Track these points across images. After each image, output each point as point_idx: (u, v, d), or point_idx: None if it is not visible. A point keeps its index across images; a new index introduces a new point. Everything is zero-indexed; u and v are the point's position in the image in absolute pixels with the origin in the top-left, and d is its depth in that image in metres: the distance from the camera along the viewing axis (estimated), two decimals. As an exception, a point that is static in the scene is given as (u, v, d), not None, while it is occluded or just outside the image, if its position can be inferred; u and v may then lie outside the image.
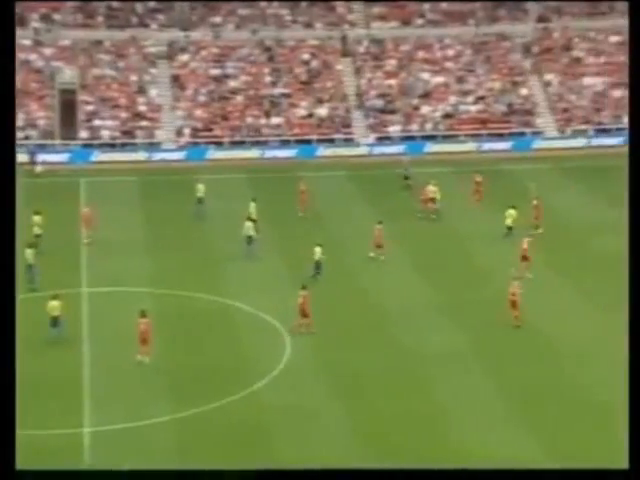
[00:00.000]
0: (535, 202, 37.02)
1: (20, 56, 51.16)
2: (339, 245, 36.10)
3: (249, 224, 34.16)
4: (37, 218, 35.30)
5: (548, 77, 52.94)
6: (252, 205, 36.55)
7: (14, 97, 23.38)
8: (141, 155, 48.31)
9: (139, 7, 54.38)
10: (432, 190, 38.77)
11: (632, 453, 15.12)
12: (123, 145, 49.02)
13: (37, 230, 34.93)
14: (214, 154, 48.80)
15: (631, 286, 17.51)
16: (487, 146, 49.61)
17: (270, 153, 49.02)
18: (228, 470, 15.65)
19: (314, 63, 53.21)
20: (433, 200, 38.58)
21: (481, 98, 51.84)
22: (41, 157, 47.15)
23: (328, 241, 36.23)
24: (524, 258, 32.06)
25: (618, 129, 50.31)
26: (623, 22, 54.68)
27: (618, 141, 49.55)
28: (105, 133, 49.31)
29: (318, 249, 31.70)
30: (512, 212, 36.25)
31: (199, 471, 16.60)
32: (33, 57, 51.71)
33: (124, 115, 50.18)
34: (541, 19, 55.21)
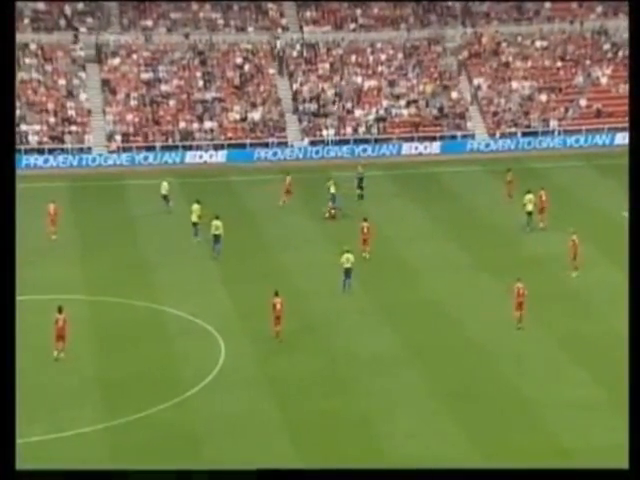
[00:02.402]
0: (543, 197, 37.28)
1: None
2: (278, 250, 36.01)
3: (217, 223, 33.84)
4: None
5: (478, 81, 53.88)
6: (195, 207, 36.19)
7: (14, 97, 22.95)
8: (70, 160, 47.37)
9: (67, 9, 53.37)
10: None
11: (632, 453, 15.11)
12: (51, 150, 47.97)
13: None
14: (145, 159, 48.18)
15: (631, 286, 17.46)
16: (419, 149, 50.23)
17: (203, 158, 48.64)
18: (229, 470, 15.78)
19: (247, 67, 53.02)
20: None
21: (413, 102, 52.43)
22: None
23: (265, 246, 36.12)
24: (573, 256, 31.53)
25: (544, 132, 51.52)
26: (549, 27, 56.19)
27: (547, 144, 50.85)
28: (33, 138, 48.17)
29: (348, 255, 30.74)
30: (531, 197, 36.72)
31: (200, 471, 16.63)
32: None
33: (52, 120, 49.12)
34: (471, 24, 56.19)
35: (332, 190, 39.85)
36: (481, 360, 27.09)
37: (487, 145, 51.01)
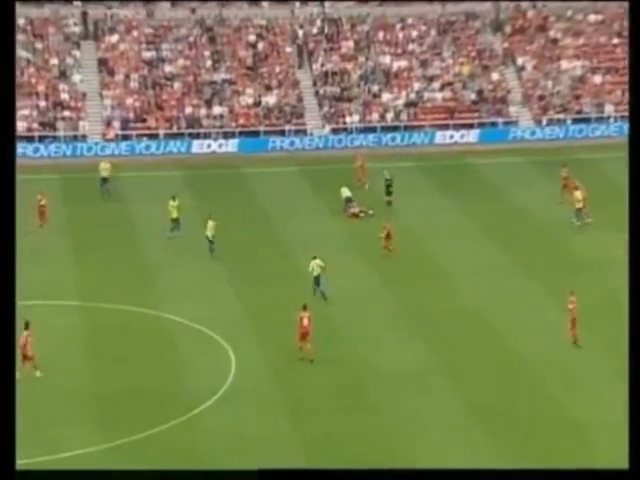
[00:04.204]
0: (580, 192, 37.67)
1: None
2: (290, 248, 36.27)
3: (212, 224, 34.63)
4: None
5: (522, 60, 53.86)
6: (171, 203, 36.89)
7: (14, 97, 24.32)
8: (63, 149, 47.91)
9: (60, -20, 54.04)
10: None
11: (632, 453, 15.80)
12: (42, 138, 48.53)
13: None
14: (147, 148, 48.62)
15: (631, 285, 18.13)
16: (454, 137, 50.28)
17: (211, 147, 49.00)
18: (229, 470, 16.39)
19: (261, 45, 53.34)
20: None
21: (448, 84, 52.49)
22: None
23: (279, 245, 36.40)
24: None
25: (598, 118, 51.37)
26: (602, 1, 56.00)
27: (601, 132, 50.64)
28: (21, 124, 48.76)
29: (317, 261, 31.18)
30: (578, 194, 37.25)
31: (200, 471, 17.19)
32: (-64, 37, 50.86)
33: (43, 104, 49.69)
34: (513, -4, 56.21)
35: (347, 194, 39.88)
36: (522, 374, 27.20)
37: (532, 133, 51.00)
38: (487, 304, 31.61)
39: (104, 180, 41.29)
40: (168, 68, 51.74)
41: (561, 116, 51.65)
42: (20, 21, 51.92)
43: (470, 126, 50.92)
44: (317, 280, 31.11)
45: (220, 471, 16.29)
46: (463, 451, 23.42)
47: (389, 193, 40.28)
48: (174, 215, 36.79)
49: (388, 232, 34.77)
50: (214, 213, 35.77)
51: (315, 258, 31.33)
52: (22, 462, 22.62)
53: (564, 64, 53.52)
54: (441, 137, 50.24)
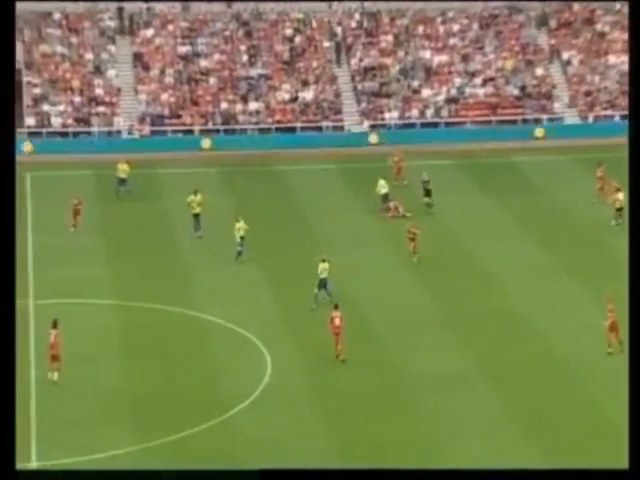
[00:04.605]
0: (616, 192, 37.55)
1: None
2: (328, 249, 36.45)
3: (240, 224, 34.68)
4: None
5: (567, 55, 53.53)
6: (192, 198, 37.01)
7: (14, 97, 24.92)
8: (97, 145, 48.47)
9: (95, -26, 54.62)
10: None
11: (632, 453, 16.18)
12: (76, 134, 49.17)
13: None
14: (182, 144, 49.01)
15: (631, 284, 18.51)
16: (497, 135, 50.09)
17: (247, 143, 49.28)
18: (230, 470, 16.74)
19: (298, 39, 53.56)
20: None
21: (490, 80, 52.33)
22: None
23: (315, 244, 36.61)
24: None
25: (647, 115, 50.85)
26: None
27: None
28: (55, 120, 49.46)
29: (325, 265, 31.25)
30: (620, 195, 37.04)
31: (200, 471, 17.44)
32: (-29, 32, 51.72)
33: (78, 99, 50.35)
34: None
35: (383, 191, 39.98)
36: (565, 379, 27.20)
37: (578, 130, 50.64)
38: (527, 305, 31.58)
39: (122, 181, 41.40)
40: (203, 63, 52.16)
41: (608, 112, 51.26)
42: (56, 16, 52.67)
43: (513, 122, 50.72)
44: (324, 283, 30.94)
45: (221, 471, 16.45)
46: (501, 453, 23.48)
47: (428, 194, 39.90)
48: (196, 211, 36.77)
49: (414, 235, 34.35)
50: (243, 213, 35.96)
51: (324, 261, 31.25)
52: (54, 463, 23.13)
53: (611, 59, 53.09)
54: (483, 134, 50.08)
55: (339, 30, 53.74)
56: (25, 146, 47.94)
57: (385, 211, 39.50)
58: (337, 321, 27.63)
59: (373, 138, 49.53)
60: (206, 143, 48.82)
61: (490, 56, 53.24)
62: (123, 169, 41.62)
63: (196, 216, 36.82)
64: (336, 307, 28.01)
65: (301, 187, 43.70)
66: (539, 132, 50.29)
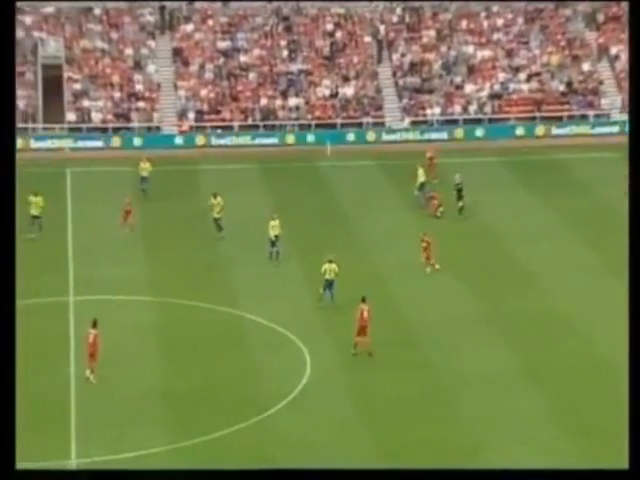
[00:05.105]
0: None
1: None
2: (365, 245, 36.11)
3: (274, 223, 34.21)
4: (36, 199, 36.61)
5: (615, 50, 52.62)
6: (212, 201, 36.47)
7: (14, 96, 25.09)
8: (137, 141, 48.60)
9: (136, -30, 54.78)
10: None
11: (632, 453, 16.23)
12: (116, 130, 49.33)
13: (34, 211, 36.56)
14: (221, 140, 48.99)
15: (631, 284, 18.47)
16: (541, 131, 49.42)
17: (287, 139, 49.12)
18: (230, 470, 16.36)
19: (338, 35, 53.26)
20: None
21: (535, 75, 51.63)
22: (19, 143, 47.71)
23: (355, 241, 36.26)
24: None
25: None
26: None
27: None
28: (96, 116, 49.64)
29: (333, 266, 30.82)
30: None
31: (200, 471, 17.29)
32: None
33: (117, 95, 50.50)
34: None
35: (421, 179, 39.48)
36: (608, 380, 26.61)
37: (626, 127, 49.73)
38: (571, 305, 31.05)
39: (143, 179, 41.04)
40: (243, 58, 52.05)
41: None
42: (96, 11, 52.86)
43: (558, 119, 49.99)
44: (330, 284, 30.48)
45: (221, 471, 16.33)
46: (545, 455, 23.01)
47: (460, 198, 38.55)
48: (216, 215, 36.00)
49: (427, 244, 33.24)
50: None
51: (331, 262, 30.81)
52: (88, 461, 23.07)
53: (660, 54, 52.02)
54: (527, 130, 49.43)
55: (380, 25, 53.33)
56: (65, 142, 48.15)
57: (427, 200, 38.71)
58: (365, 314, 27.60)
59: (414, 134, 49.08)
60: (244, 139, 48.72)
61: (535, 51, 52.54)
62: (145, 167, 41.16)
63: (216, 220, 36.11)
64: (363, 300, 27.90)
65: (341, 184, 43.40)
66: (584, 129, 49.54)
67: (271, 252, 34.27)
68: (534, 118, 50.00)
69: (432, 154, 42.82)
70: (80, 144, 48.06)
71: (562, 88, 51.14)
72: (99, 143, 48.27)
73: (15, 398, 17.37)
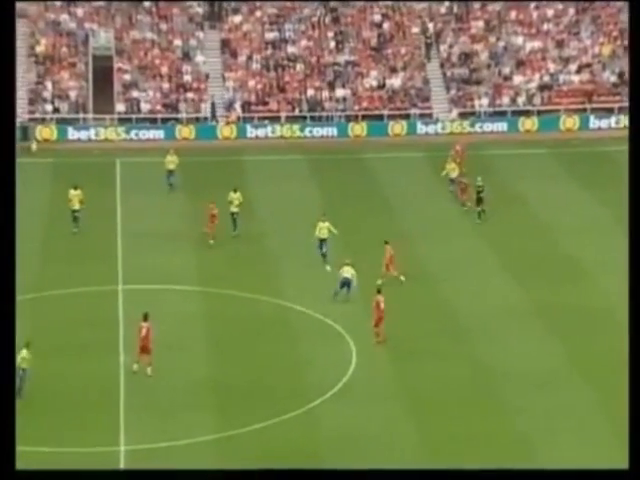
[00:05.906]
0: None
1: (49, 17, 52.30)
2: (412, 238, 36.02)
3: (323, 224, 33.36)
4: (75, 193, 36.50)
5: (667, 41, 51.72)
6: (232, 195, 35.98)
7: (14, 96, 25.35)
8: (186, 132, 48.91)
9: (185, -39, 55.00)
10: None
11: (632, 453, 16.31)
12: (165, 120, 49.70)
13: (75, 206, 36.37)
14: (269, 131, 49.11)
15: (631, 283, 18.59)
16: (592, 123, 48.83)
17: (334, 130, 49.12)
18: (230, 470, 16.73)
19: (386, 26, 53.06)
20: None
21: (586, 66, 50.98)
22: (72, 133, 48.27)
23: (402, 233, 36.19)
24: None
25: None
26: None
27: None
28: (145, 106, 50.06)
29: (349, 268, 30.53)
30: None
31: (200, 471, 17.69)
32: (63, 18, 52.75)
33: (166, 86, 50.86)
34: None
35: (453, 175, 39.32)
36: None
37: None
38: (619, 300, 30.59)
39: (170, 172, 40.39)
40: (291, 49, 52.10)
41: None
42: (146, 3, 53.25)
43: (610, 111, 49.34)
44: (347, 282, 30.18)
45: (221, 471, 16.61)
46: (593, 452, 22.86)
47: (480, 201, 37.08)
48: (234, 209, 35.27)
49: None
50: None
51: (348, 264, 30.50)
52: (140, 447, 23.38)
53: None
54: (577, 122, 48.85)
55: (428, 16, 53.00)
56: (115, 132, 48.65)
57: (461, 192, 38.43)
58: (382, 305, 27.89)
59: (462, 126, 48.75)
60: (293, 130, 48.78)
61: (586, 42, 51.86)
62: (172, 160, 40.57)
63: (233, 215, 35.38)
64: (379, 291, 28.20)
65: (388, 176, 43.30)
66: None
67: (321, 253, 33.48)
68: (585, 110, 49.40)
69: (461, 147, 42.40)
70: (132, 134, 48.47)
71: (613, 79, 50.44)
72: (149, 134, 48.66)
73: (15, 398, 17.68)
